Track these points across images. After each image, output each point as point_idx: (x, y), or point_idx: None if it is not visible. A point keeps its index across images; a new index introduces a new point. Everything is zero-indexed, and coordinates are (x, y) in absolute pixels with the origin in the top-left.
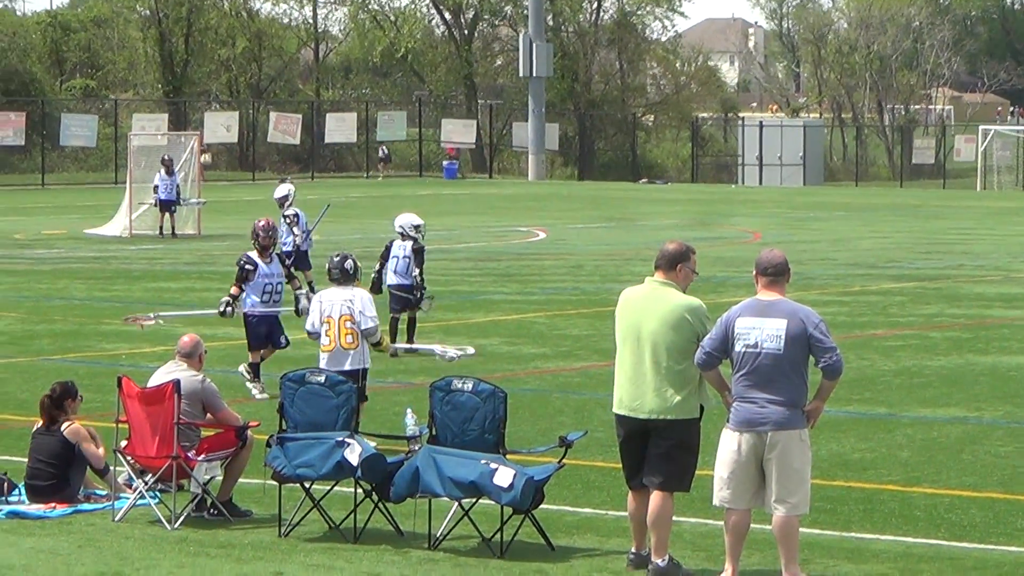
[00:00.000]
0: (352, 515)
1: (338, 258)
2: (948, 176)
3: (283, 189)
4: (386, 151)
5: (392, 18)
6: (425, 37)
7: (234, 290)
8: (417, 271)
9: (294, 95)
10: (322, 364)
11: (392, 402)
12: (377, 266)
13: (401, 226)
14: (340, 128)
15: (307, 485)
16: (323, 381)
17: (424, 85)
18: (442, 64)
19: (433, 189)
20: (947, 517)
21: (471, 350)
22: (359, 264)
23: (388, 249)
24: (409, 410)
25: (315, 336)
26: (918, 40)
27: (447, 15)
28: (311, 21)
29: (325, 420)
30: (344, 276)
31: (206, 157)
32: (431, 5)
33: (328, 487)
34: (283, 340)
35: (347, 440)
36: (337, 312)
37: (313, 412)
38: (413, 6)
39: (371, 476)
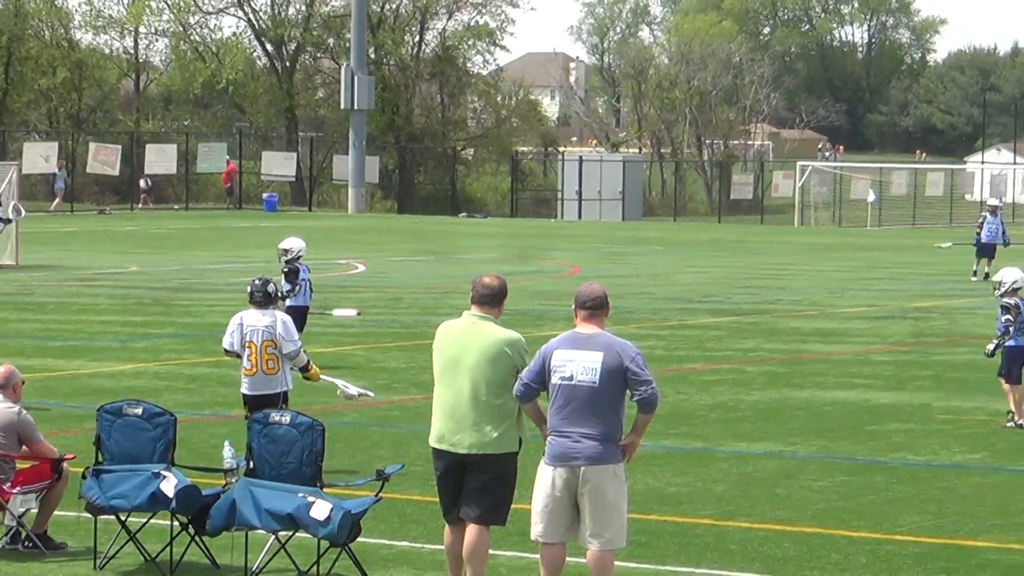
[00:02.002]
0: (168, 547)
1: (260, 281)
2: (766, 212)
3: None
4: (148, 182)
5: (214, 49)
6: (247, 69)
7: None
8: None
9: (114, 126)
10: (243, 388)
11: (210, 434)
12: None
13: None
14: (160, 159)
15: (122, 517)
16: (140, 413)
17: (245, 117)
18: (263, 96)
19: (252, 221)
20: (761, 551)
21: (371, 393)
22: (280, 288)
23: (296, 273)
24: (227, 443)
25: (232, 354)
26: (738, 76)
27: (269, 47)
28: (132, 52)
29: (142, 452)
30: (265, 299)
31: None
32: (253, 37)
33: (144, 519)
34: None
35: (163, 472)
36: (259, 338)
37: (130, 444)
38: (235, 38)
39: (186, 508)
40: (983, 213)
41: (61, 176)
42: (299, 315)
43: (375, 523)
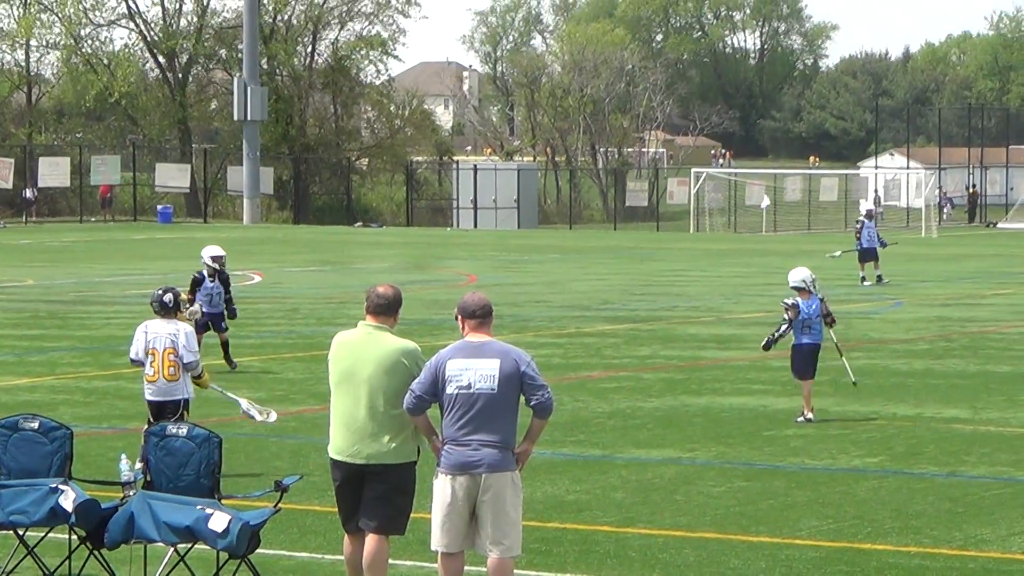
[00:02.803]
0: (67, 561)
1: (161, 291)
2: (661, 218)
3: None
4: (33, 194)
5: (106, 62)
6: (139, 81)
7: None
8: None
9: (7, 139)
10: (147, 394)
11: (107, 447)
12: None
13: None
14: (54, 172)
15: (20, 532)
16: (36, 428)
17: (138, 129)
18: (156, 108)
19: (147, 233)
20: (661, 557)
21: (274, 416)
22: (180, 298)
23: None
24: (123, 455)
25: (138, 363)
26: (631, 84)
27: (161, 59)
28: (23, 64)
29: (39, 467)
30: (165, 310)
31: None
32: (145, 49)
33: (42, 534)
34: None
35: (60, 486)
36: (162, 345)
37: (27, 459)
38: (127, 50)
39: (85, 522)
40: (860, 219)
41: None
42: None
43: (274, 534)
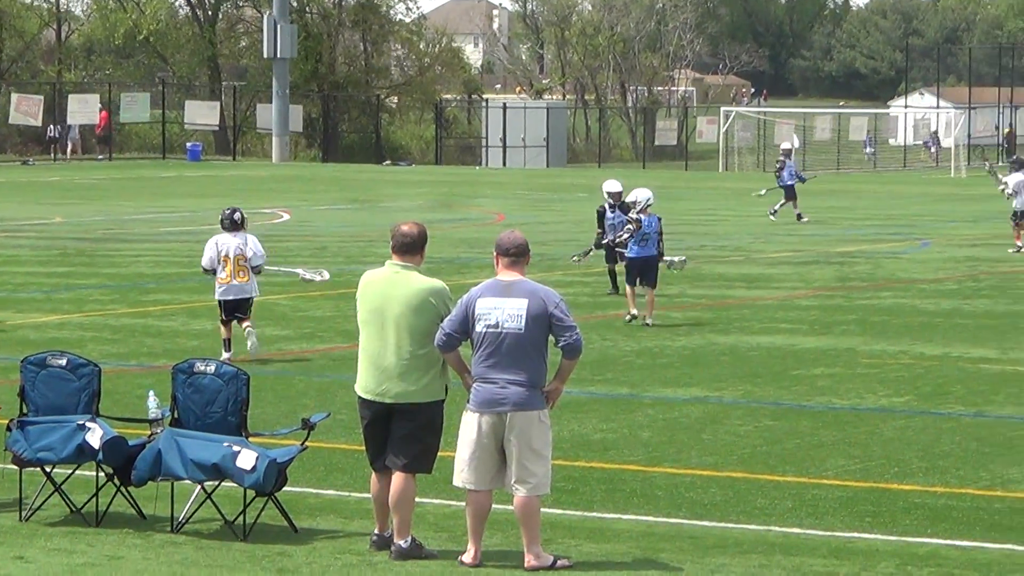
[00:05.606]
0: (94, 499)
1: (229, 211)
2: (690, 158)
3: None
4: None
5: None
6: (168, 18)
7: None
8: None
9: (36, 76)
10: (217, 294)
11: (134, 385)
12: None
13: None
14: (83, 110)
15: (48, 469)
16: (64, 364)
17: (167, 66)
18: (185, 45)
19: (177, 171)
20: (688, 496)
21: (327, 274)
22: (246, 216)
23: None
24: (151, 393)
25: (210, 272)
26: (661, 22)
27: None
28: (53, 2)
29: (67, 403)
30: (233, 225)
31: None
32: None
33: (70, 471)
34: None
35: (88, 423)
36: (233, 253)
37: (54, 395)
38: None
39: (112, 459)
40: (780, 158)
41: None
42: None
43: (301, 472)
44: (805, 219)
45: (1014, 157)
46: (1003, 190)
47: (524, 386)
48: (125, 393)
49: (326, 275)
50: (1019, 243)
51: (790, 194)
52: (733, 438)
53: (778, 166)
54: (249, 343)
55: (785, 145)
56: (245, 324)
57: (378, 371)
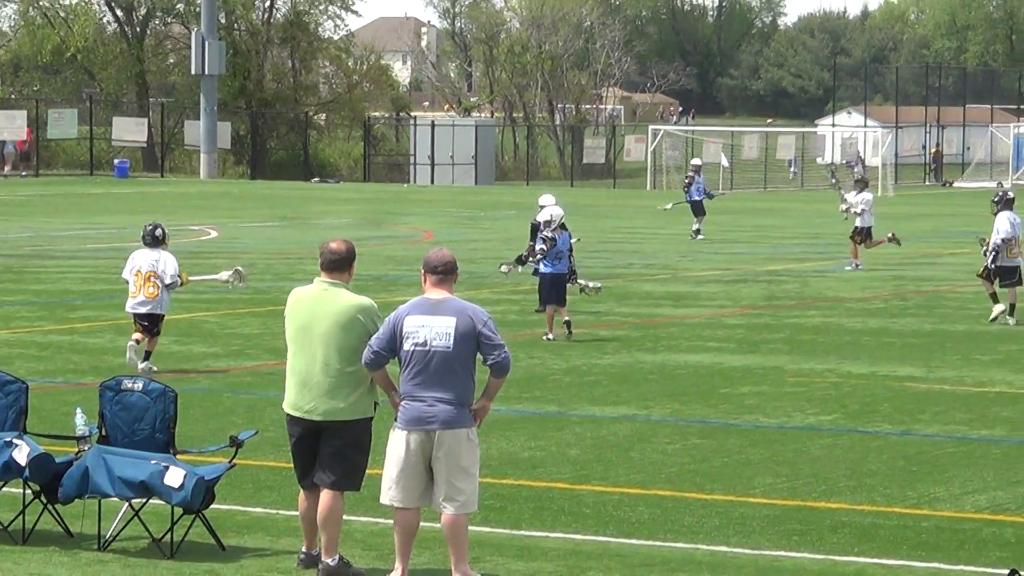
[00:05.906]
0: (21, 516)
1: (151, 226)
2: (619, 176)
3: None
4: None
5: (63, 15)
6: (96, 35)
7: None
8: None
9: None
10: (128, 307)
11: (61, 402)
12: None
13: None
14: (10, 126)
15: None
16: None
17: (95, 83)
18: (113, 62)
19: (104, 188)
20: (615, 514)
21: (243, 270)
22: (168, 232)
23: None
24: (79, 409)
25: (126, 281)
26: (589, 40)
27: (119, 12)
28: None
29: None
30: (154, 241)
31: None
32: (103, 2)
33: None
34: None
35: (15, 440)
36: (144, 268)
37: None
38: (84, 4)
39: (39, 476)
40: (690, 173)
41: None
42: None
43: (229, 489)
44: (700, 237)
45: (858, 177)
46: (845, 209)
47: (452, 404)
48: (52, 410)
49: (243, 271)
50: (856, 260)
51: (698, 210)
52: (661, 456)
53: (687, 181)
54: (141, 365)
55: (696, 162)
56: (146, 353)
57: (306, 388)
